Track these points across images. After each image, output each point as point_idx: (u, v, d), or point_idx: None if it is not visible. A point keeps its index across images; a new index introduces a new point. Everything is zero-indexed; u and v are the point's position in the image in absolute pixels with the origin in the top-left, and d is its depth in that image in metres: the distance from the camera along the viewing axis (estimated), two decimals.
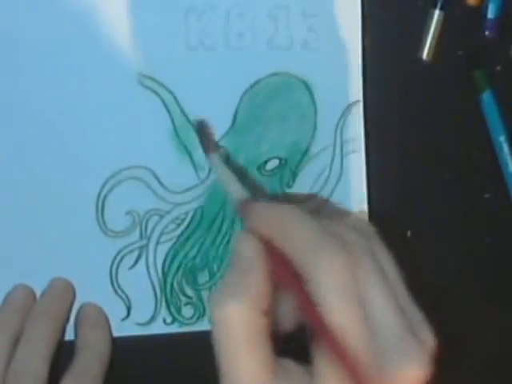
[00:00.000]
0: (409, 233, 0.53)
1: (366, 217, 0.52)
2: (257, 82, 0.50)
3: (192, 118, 0.49)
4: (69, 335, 0.49)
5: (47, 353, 0.46)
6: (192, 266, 0.51)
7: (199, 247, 0.51)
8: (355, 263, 0.38)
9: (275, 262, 0.39)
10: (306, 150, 0.51)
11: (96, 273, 0.49)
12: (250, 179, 0.50)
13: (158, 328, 0.50)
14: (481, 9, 0.51)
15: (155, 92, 0.49)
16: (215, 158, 0.48)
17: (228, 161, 0.49)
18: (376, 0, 0.51)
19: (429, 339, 0.39)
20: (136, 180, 0.49)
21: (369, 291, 0.38)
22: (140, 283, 0.50)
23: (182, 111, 0.49)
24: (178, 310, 0.51)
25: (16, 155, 0.48)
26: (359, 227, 0.41)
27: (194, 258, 0.51)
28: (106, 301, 0.50)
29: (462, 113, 0.53)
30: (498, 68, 0.53)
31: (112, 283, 0.50)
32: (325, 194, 0.51)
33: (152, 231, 0.50)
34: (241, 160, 0.50)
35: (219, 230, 0.51)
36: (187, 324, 0.51)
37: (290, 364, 0.39)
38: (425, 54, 0.51)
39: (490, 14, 0.51)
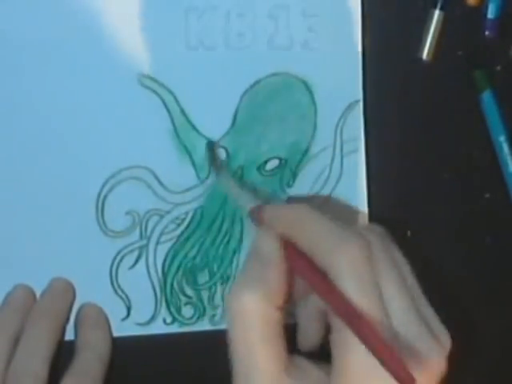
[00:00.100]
0: (409, 233, 0.53)
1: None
2: (257, 82, 0.50)
3: (192, 118, 0.49)
4: (69, 335, 0.49)
5: (47, 353, 0.46)
6: (192, 266, 0.51)
7: (199, 247, 0.51)
8: (373, 256, 0.38)
9: (294, 258, 0.39)
10: (306, 150, 0.51)
11: (96, 273, 0.49)
12: (249, 184, 0.50)
13: (158, 328, 0.50)
14: (481, 9, 0.51)
15: (155, 92, 0.49)
16: (225, 176, 0.48)
17: (227, 169, 0.50)
18: (376, 0, 0.51)
19: (446, 340, 0.39)
20: (136, 180, 0.49)
21: (387, 288, 0.38)
22: (140, 283, 0.50)
23: (182, 111, 0.49)
24: (178, 310, 0.51)
25: (16, 155, 0.48)
26: (373, 229, 0.42)
27: (194, 257, 0.51)
28: (106, 301, 0.50)
29: (461, 113, 0.53)
30: (498, 68, 0.53)
31: (112, 283, 0.50)
32: (325, 193, 0.51)
33: (152, 231, 0.50)
34: (241, 160, 0.50)
35: (219, 230, 0.51)
36: (187, 324, 0.51)
37: (303, 362, 0.39)
38: (425, 54, 0.51)
39: (490, 14, 0.51)
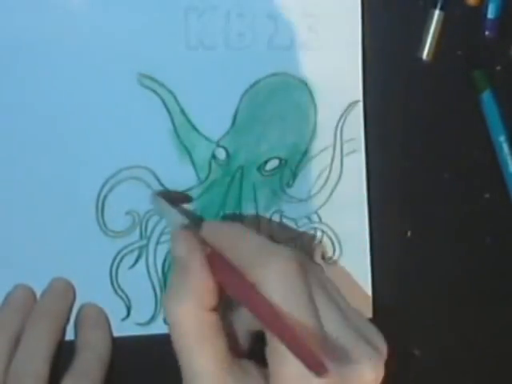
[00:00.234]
0: (409, 233, 0.53)
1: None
2: (257, 82, 0.50)
3: (192, 118, 0.49)
4: (69, 335, 0.49)
5: (48, 353, 0.46)
6: None
7: None
8: (302, 268, 0.39)
9: (223, 272, 0.40)
10: (306, 150, 0.51)
11: (96, 273, 0.49)
12: (182, 207, 0.50)
13: (158, 328, 0.50)
14: (481, 9, 0.51)
15: (155, 92, 0.49)
16: (157, 197, 0.48)
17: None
18: (376, 0, 0.51)
19: (381, 345, 0.40)
20: (136, 180, 0.49)
21: (317, 298, 0.39)
22: (140, 283, 0.50)
23: (182, 111, 0.49)
24: None
25: (16, 155, 0.48)
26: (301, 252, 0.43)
27: None
28: (106, 301, 0.50)
29: (462, 113, 0.53)
30: (498, 68, 0.53)
31: (112, 283, 0.50)
32: (325, 193, 0.51)
33: (152, 231, 0.50)
34: (241, 160, 0.50)
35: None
36: None
37: (249, 365, 0.41)
38: (425, 54, 0.51)
39: (490, 14, 0.51)
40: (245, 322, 0.44)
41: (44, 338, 0.47)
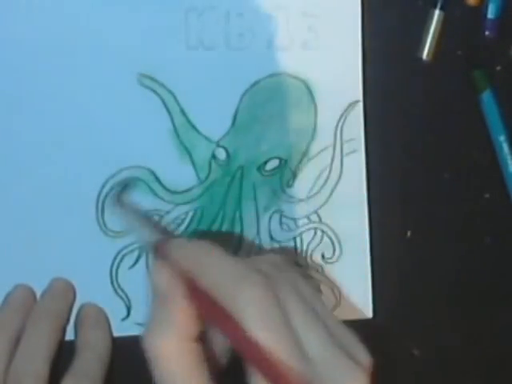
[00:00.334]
0: (409, 233, 0.53)
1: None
2: (257, 82, 0.50)
3: (192, 118, 0.49)
4: (69, 335, 0.49)
5: (48, 353, 0.46)
6: None
7: None
8: (276, 292, 0.38)
9: (197, 297, 0.39)
10: (306, 150, 0.51)
11: (96, 273, 0.49)
12: (155, 222, 0.50)
13: None
14: (481, 9, 0.51)
15: (155, 92, 0.49)
16: (127, 210, 0.48)
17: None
18: (376, 0, 0.51)
19: (364, 359, 0.39)
20: (136, 180, 0.49)
21: (294, 319, 0.38)
22: (140, 283, 0.50)
23: (182, 111, 0.49)
24: None
25: (16, 155, 0.48)
26: (270, 259, 0.42)
27: None
28: (106, 301, 0.50)
29: (461, 113, 0.53)
30: (498, 68, 0.53)
31: (112, 283, 0.50)
32: (325, 193, 0.51)
33: None
34: (241, 160, 0.50)
35: (219, 230, 0.51)
36: None
37: None
38: (425, 54, 0.51)
39: (490, 14, 0.51)
40: (221, 339, 0.43)
41: (44, 337, 0.47)
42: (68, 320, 0.49)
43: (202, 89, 0.49)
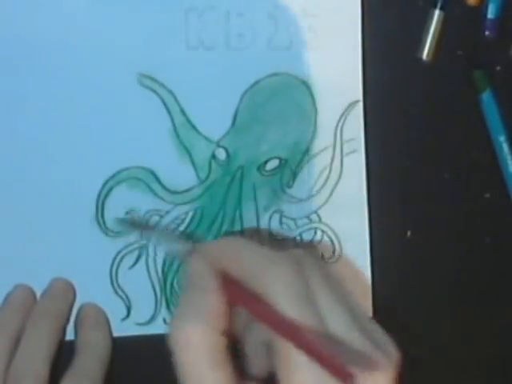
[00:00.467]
0: (409, 233, 0.53)
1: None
2: (257, 82, 0.50)
3: (192, 118, 0.49)
4: (69, 335, 0.49)
5: (48, 353, 0.46)
6: None
7: None
8: (305, 272, 0.39)
9: (230, 288, 0.39)
10: (306, 150, 0.51)
11: (96, 273, 0.49)
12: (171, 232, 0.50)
13: (158, 328, 0.50)
14: (481, 9, 0.51)
15: (155, 92, 0.49)
16: (155, 234, 0.49)
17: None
18: (376, 0, 0.51)
19: (392, 352, 0.39)
20: (136, 180, 0.49)
21: (323, 301, 0.38)
22: (140, 283, 0.50)
23: (182, 111, 0.49)
24: None
25: (16, 156, 0.48)
26: (300, 252, 0.42)
27: None
28: (106, 301, 0.50)
29: (462, 113, 0.53)
30: (498, 68, 0.53)
31: (112, 283, 0.50)
32: (325, 193, 0.51)
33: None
34: (241, 160, 0.50)
35: (219, 230, 0.51)
36: None
37: None
38: (425, 54, 0.51)
39: (490, 14, 0.51)
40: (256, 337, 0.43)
41: (44, 337, 0.47)
42: (68, 320, 0.49)
43: (202, 89, 0.49)
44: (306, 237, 0.51)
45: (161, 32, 0.48)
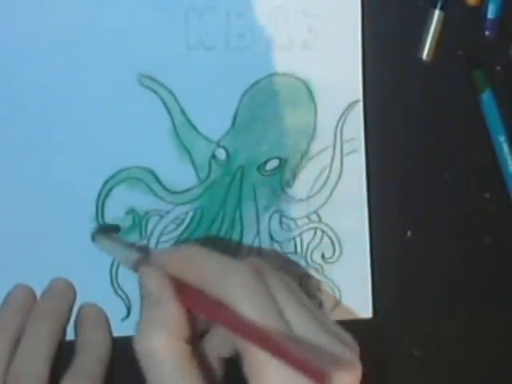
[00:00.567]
0: (409, 233, 0.53)
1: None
2: (257, 82, 0.50)
3: (192, 118, 0.49)
4: (69, 335, 0.49)
5: (48, 353, 0.46)
6: None
7: None
8: (264, 280, 0.39)
9: (188, 296, 0.39)
10: (306, 150, 0.51)
11: (96, 273, 0.49)
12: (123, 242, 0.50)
13: None
14: (481, 9, 0.51)
15: (155, 92, 0.49)
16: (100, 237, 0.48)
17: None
18: (376, 0, 0.51)
19: (353, 345, 0.40)
20: (136, 180, 0.49)
21: (283, 301, 0.39)
22: None
23: (182, 111, 0.49)
24: None
25: (16, 155, 0.48)
26: (259, 261, 0.43)
27: None
28: (106, 301, 0.50)
29: (462, 113, 0.53)
30: (498, 68, 0.53)
31: (112, 283, 0.50)
32: (325, 193, 0.51)
33: (152, 231, 0.50)
34: (241, 160, 0.50)
35: (219, 230, 0.51)
36: None
37: None
38: (425, 54, 0.51)
39: (490, 14, 0.51)
40: (215, 348, 0.43)
41: (44, 338, 0.47)
42: (68, 320, 0.49)
43: (202, 89, 0.49)
44: (306, 237, 0.51)
45: (161, 32, 0.48)
